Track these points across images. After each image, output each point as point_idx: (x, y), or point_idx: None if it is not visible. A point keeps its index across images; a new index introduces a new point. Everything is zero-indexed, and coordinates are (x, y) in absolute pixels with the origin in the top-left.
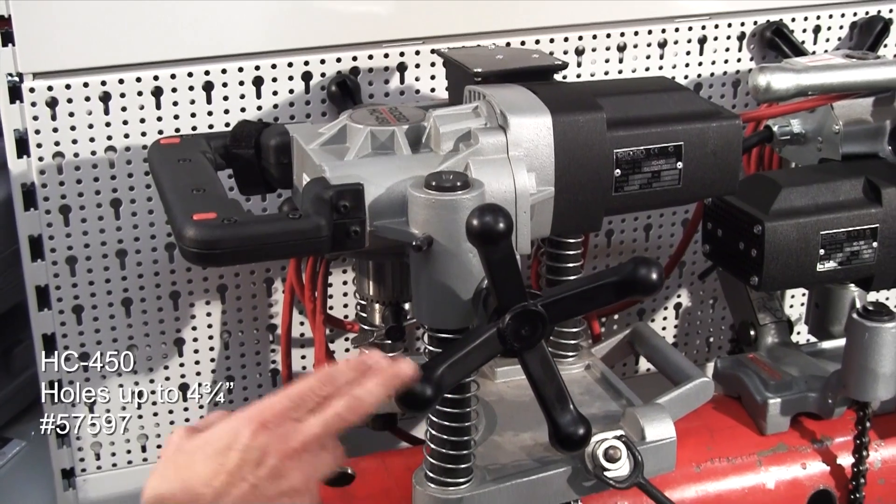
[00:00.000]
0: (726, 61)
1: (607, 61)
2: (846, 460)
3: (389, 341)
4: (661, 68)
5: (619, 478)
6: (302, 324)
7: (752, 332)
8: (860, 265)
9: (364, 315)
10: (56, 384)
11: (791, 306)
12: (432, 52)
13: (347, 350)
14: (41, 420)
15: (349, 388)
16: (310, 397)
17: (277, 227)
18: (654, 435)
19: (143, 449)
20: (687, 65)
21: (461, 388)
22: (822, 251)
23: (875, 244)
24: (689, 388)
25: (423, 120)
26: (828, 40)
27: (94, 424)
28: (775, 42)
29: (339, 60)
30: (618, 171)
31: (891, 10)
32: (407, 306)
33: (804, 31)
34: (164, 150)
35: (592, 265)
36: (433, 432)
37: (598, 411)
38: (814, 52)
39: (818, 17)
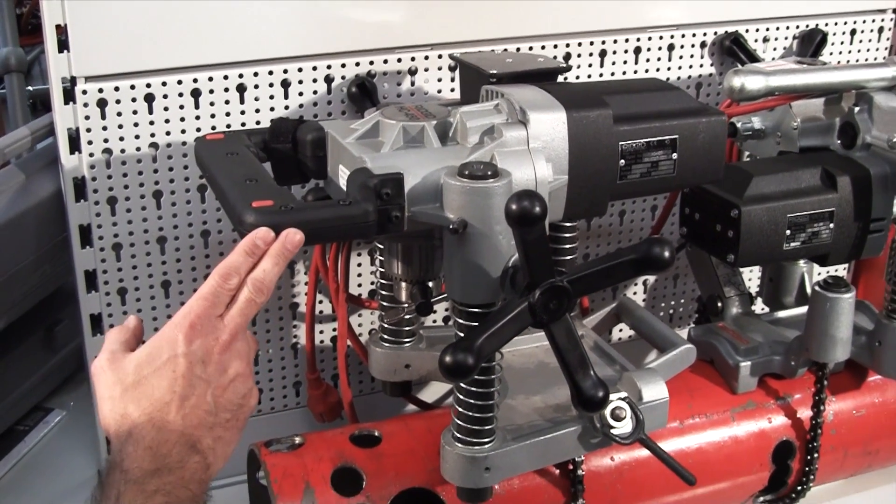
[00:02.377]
0: (691, 66)
1: (590, 65)
2: (805, 414)
3: (420, 316)
4: (635, 72)
5: (623, 434)
6: (321, 302)
7: (719, 304)
8: (819, 244)
9: (389, 293)
10: None
11: (750, 280)
12: (450, 56)
13: (363, 325)
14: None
15: (251, 274)
16: (221, 293)
17: (331, 212)
18: (650, 396)
19: None
20: (658, 69)
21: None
22: (788, 232)
23: (832, 225)
24: (675, 354)
25: (449, 116)
26: (775, 49)
27: None
28: (733, 50)
29: (357, 65)
30: (622, 161)
31: (826, 24)
32: (430, 284)
33: (755, 41)
34: (210, 144)
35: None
36: (461, 397)
37: None
38: (763, 60)
39: (767, 29)
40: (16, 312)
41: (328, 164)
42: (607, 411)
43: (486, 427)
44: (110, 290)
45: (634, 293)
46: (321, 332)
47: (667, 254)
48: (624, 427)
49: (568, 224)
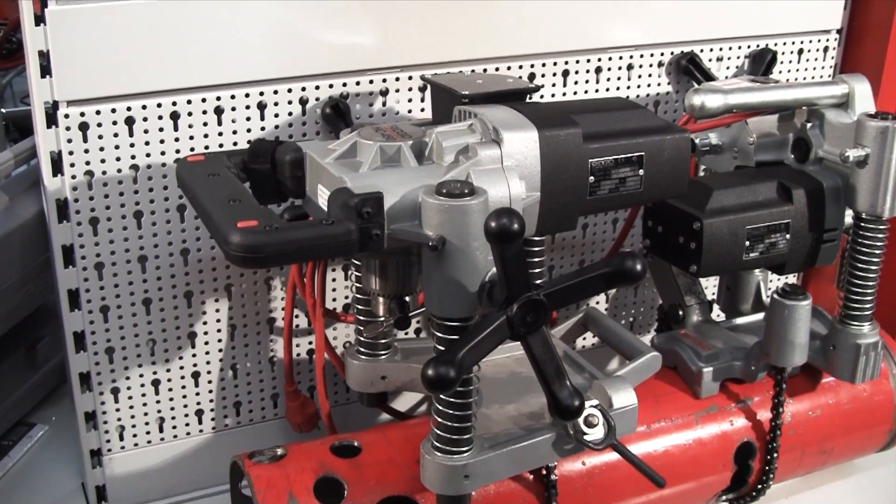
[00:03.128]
0: (649, 85)
1: (554, 85)
2: (765, 416)
3: (397, 330)
4: (596, 91)
5: (596, 440)
6: (297, 316)
7: (680, 312)
8: (776, 254)
9: (366, 308)
10: (84, 376)
11: (706, 288)
12: (421, 77)
13: (337, 338)
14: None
15: None
16: None
17: (314, 232)
18: (620, 402)
19: (161, 430)
20: (618, 88)
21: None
22: (747, 243)
23: (788, 236)
24: (641, 361)
25: (424, 136)
26: (728, 68)
27: (118, 409)
28: (689, 69)
29: (331, 86)
30: (592, 177)
31: (776, 44)
32: (408, 299)
33: (710, 60)
34: (191, 166)
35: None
36: (440, 408)
37: None
38: (718, 78)
39: (721, 49)
40: None
41: (307, 184)
42: (581, 419)
43: (465, 436)
44: (93, 307)
45: (597, 302)
46: (297, 345)
47: (639, 267)
48: (596, 433)
49: (537, 238)
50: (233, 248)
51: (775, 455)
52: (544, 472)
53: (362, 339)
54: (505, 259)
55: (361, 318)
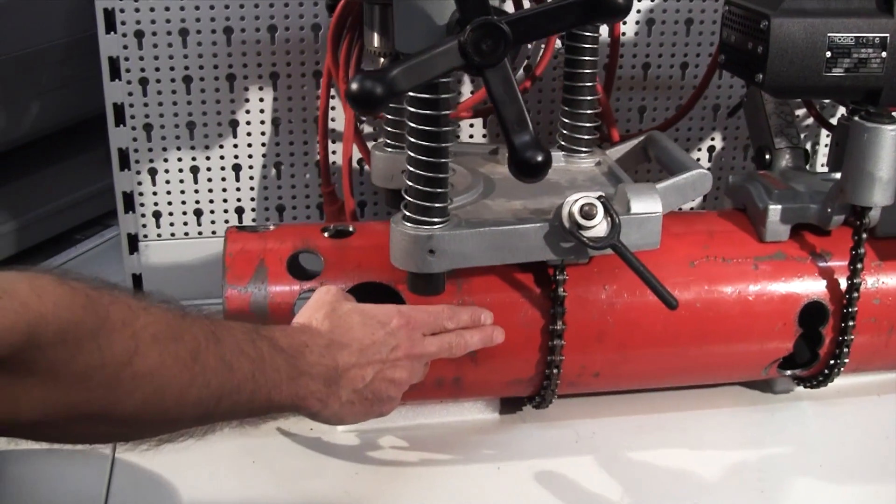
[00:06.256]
0: None
1: None
2: (843, 275)
3: None
4: None
5: (594, 237)
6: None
7: (767, 156)
8: (868, 75)
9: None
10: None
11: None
12: None
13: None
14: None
15: (460, 331)
16: (439, 321)
17: None
18: (640, 208)
19: (198, 222)
20: None
21: (437, 120)
22: (829, 54)
23: (884, 54)
24: (685, 176)
25: None
26: None
27: (155, 193)
28: None
29: None
30: None
31: None
32: None
33: None
34: None
35: (628, 97)
36: (411, 169)
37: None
38: None
39: None
40: (63, 113)
41: None
42: (576, 207)
43: (435, 205)
44: (132, 78)
45: (698, 159)
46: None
47: None
48: (596, 229)
49: (588, 34)
50: None
51: (851, 323)
52: (553, 286)
53: (388, 129)
54: None
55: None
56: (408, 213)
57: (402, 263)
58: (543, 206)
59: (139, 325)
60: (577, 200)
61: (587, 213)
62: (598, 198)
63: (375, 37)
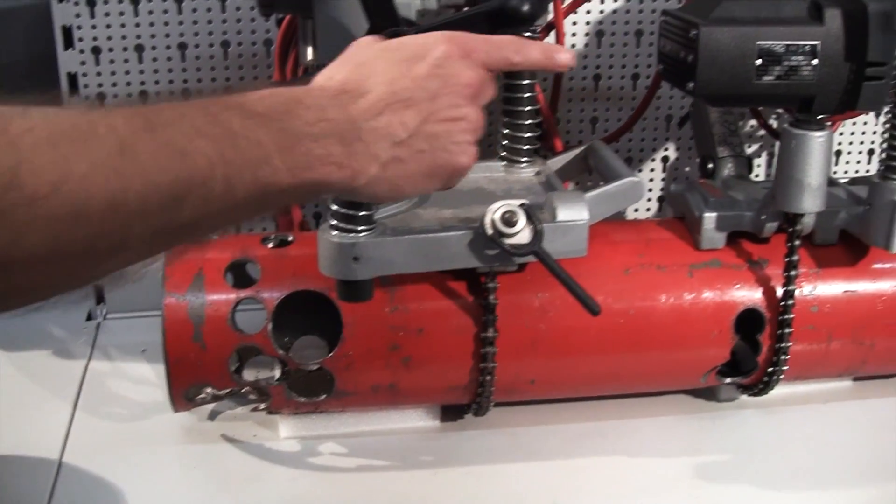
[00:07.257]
0: None
1: None
2: (779, 282)
3: None
4: None
5: (517, 244)
6: None
7: (710, 165)
8: (800, 82)
9: None
10: None
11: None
12: None
13: None
14: None
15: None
16: (503, 54)
17: None
18: (565, 216)
19: None
20: None
21: None
22: (759, 61)
23: (815, 62)
24: (616, 185)
25: None
26: None
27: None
28: None
29: None
30: None
31: None
32: None
33: None
34: None
35: (580, 107)
36: None
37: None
38: None
39: None
40: None
41: None
42: (497, 215)
43: (360, 214)
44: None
45: (652, 169)
46: None
47: (525, 7)
48: (519, 237)
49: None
50: None
51: (787, 330)
52: (485, 294)
53: None
54: None
55: None
56: (334, 222)
57: (329, 271)
58: (473, 215)
59: (14, 131)
60: (498, 208)
61: (508, 220)
62: (521, 205)
63: (309, 50)
